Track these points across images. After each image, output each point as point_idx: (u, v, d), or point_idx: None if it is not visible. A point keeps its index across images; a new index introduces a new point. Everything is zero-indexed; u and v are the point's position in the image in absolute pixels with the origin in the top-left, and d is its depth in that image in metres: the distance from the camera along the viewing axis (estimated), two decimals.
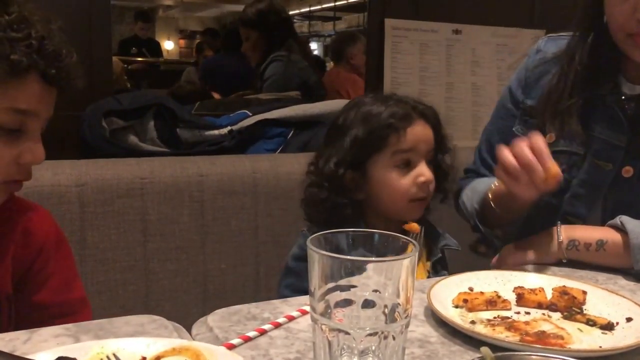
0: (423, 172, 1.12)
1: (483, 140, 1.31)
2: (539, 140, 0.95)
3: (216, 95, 2.87)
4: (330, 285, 0.57)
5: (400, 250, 0.60)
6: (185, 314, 0.81)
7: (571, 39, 1.15)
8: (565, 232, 1.05)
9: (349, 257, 0.56)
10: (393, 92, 1.23)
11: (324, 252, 0.56)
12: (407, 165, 1.12)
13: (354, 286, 0.57)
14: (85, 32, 1.70)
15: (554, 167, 0.93)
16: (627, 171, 1.08)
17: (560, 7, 1.13)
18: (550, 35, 1.25)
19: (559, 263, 1.06)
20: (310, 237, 0.58)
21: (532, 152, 0.94)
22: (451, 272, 1.23)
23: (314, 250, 0.56)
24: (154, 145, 1.55)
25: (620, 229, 1.01)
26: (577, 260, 1.05)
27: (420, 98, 1.20)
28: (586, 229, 1.05)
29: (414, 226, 1.12)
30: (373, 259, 0.56)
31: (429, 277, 1.17)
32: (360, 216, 1.16)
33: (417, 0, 2.12)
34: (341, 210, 1.13)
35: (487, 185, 1.17)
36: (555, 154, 1.14)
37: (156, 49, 7.23)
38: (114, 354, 0.59)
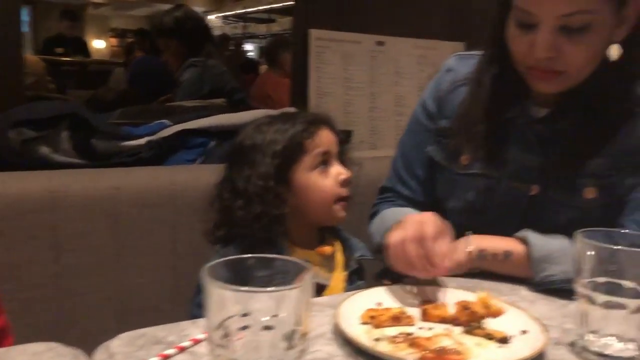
0: (341, 170, 1.20)
1: (399, 155, 1.32)
2: (427, 230, 0.96)
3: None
4: (228, 312, 0.58)
5: (299, 274, 0.61)
6: (101, 331, 0.79)
7: (480, 60, 1.18)
8: (474, 242, 1.09)
9: (244, 288, 0.56)
10: (322, 107, 1.30)
11: (219, 283, 0.56)
12: (326, 165, 1.18)
13: (252, 313, 0.58)
14: None
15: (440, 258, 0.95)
16: (534, 189, 1.13)
17: (478, 20, 1.17)
18: (460, 53, 1.28)
19: (469, 273, 1.11)
20: (206, 266, 0.58)
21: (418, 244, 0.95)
22: (368, 279, 1.26)
23: (209, 281, 0.56)
24: (68, 157, 1.49)
25: (525, 242, 1.06)
26: (485, 269, 1.10)
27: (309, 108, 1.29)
28: (494, 239, 1.09)
29: (327, 249, 1.19)
30: (266, 289, 0.56)
31: (345, 288, 1.19)
32: (282, 233, 1.17)
33: (341, 11, 2.15)
34: (274, 223, 1.15)
35: (395, 218, 1.16)
36: (471, 177, 1.19)
37: (84, 48, 6.97)
38: None
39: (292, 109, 1.29)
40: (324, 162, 1.19)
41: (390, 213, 1.22)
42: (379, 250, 1.19)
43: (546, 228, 1.12)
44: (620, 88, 1.07)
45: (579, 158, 1.07)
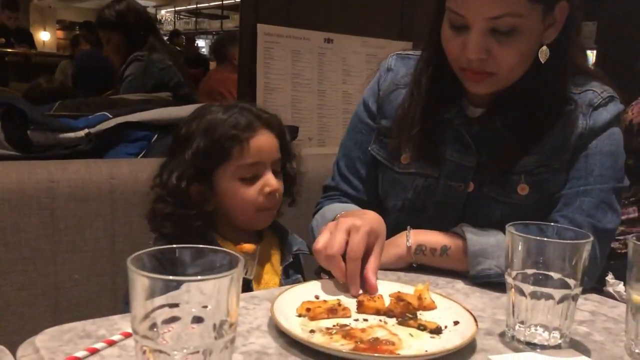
0: (269, 182, 1.13)
1: (342, 155, 1.33)
2: (353, 246, 0.93)
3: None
4: (155, 303, 0.56)
5: (230, 265, 0.61)
6: (33, 329, 0.76)
7: (418, 61, 1.21)
8: (413, 237, 1.11)
9: (170, 277, 0.55)
10: (270, 103, 1.25)
11: (146, 274, 0.55)
12: (253, 177, 1.13)
13: (181, 303, 0.57)
14: None
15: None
16: (470, 186, 1.16)
17: (426, 21, 1.18)
18: (399, 52, 1.30)
19: (408, 267, 1.12)
20: (131, 257, 0.57)
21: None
22: (308, 273, 1.26)
23: (135, 271, 0.55)
24: (1, 149, 1.44)
25: (462, 236, 1.09)
26: (424, 264, 1.11)
27: (264, 107, 1.23)
28: (432, 234, 1.12)
29: (247, 247, 1.11)
30: (195, 278, 0.55)
31: (281, 282, 1.18)
32: (210, 227, 1.15)
33: (289, 7, 2.15)
34: (189, 223, 1.11)
35: (334, 213, 1.18)
36: (411, 176, 1.21)
37: (28, 40, 6.73)
38: None
39: (242, 104, 1.20)
40: (253, 174, 1.12)
41: (331, 209, 1.22)
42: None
43: (482, 224, 1.15)
44: (550, 88, 1.11)
45: (512, 156, 1.11)
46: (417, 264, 1.12)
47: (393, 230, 1.14)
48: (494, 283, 1.03)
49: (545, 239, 0.80)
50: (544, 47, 1.08)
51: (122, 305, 1.16)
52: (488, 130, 1.12)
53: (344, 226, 0.94)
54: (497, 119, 1.13)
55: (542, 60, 1.08)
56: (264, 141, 1.14)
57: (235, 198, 1.13)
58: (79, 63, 4.00)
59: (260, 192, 1.13)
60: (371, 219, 0.99)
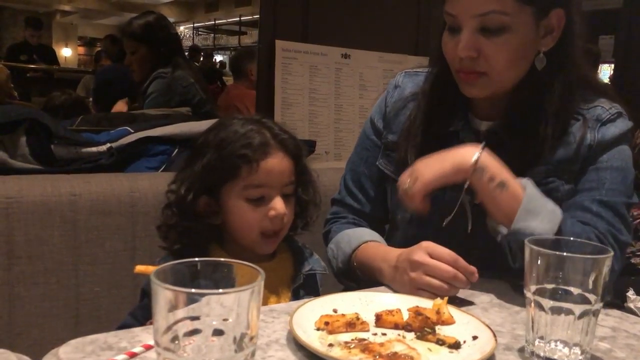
0: (275, 206, 1.08)
1: (348, 169, 1.36)
2: (448, 253, 1.02)
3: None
4: (177, 316, 0.57)
5: (248, 278, 0.61)
6: (54, 340, 0.77)
7: (427, 76, 1.23)
8: (483, 156, 1.05)
9: (193, 290, 0.56)
10: (288, 118, 1.24)
11: (169, 286, 0.56)
12: (260, 199, 1.09)
13: (202, 316, 0.58)
14: None
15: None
16: (477, 198, 1.16)
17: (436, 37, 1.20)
18: (407, 70, 1.33)
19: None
20: (154, 271, 0.58)
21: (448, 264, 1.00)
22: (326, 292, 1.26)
23: (158, 283, 0.56)
24: (26, 162, 1.47)
25: (522, 187, 1.04)
26: (473, 187, 1.06)
27: (286, 126, 1.18)
28: (500, 165, 1.06)
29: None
30: (216, 291, 0.56)
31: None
32: (217, 241, 1.14)
33: (307, 23, 2.18)
34: (195, 235, 1.10)
35: (350, 245, 1.21)
36: None
37: (50, 56, 6.87)
38: None
39: (264, 120, 1.15)
40: (260, 196, 1.08)
41: (345, 238, 1.24)
42: (340, 273, 1.24)
43: (493, 239, 1.15)
44: (556, 100, 1.11)
45: (520, 168, 1.10)
46: (467, 186, 1.06)
47: (402, 242, 1.14)
48: (513, 297, 1.03)
49: (565, 253, 0.80)
50: (541, 55, 1.09)
51: (126, 315, 1.14)
52: (494, 143, 1.12)
53: (422, 259, 1.01)
54: (503, 131, 1.13)
55: (539, 67, 1.09)
56: (275, 164, 1.09)
57: (240, 218, 1.09)
58: (100, 78, 4.07)
59: (265, 215, 1.09)
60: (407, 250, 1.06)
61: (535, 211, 1.02)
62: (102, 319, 1.37)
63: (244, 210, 1.09)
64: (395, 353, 0.77)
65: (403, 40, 2.45)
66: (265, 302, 1.13)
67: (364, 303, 0.94)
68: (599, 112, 1.14)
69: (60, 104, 2.71)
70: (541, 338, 0.80)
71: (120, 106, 2.73)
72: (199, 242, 1.11)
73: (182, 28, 13.13)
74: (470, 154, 1.05)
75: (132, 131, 1.62)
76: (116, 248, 1.38)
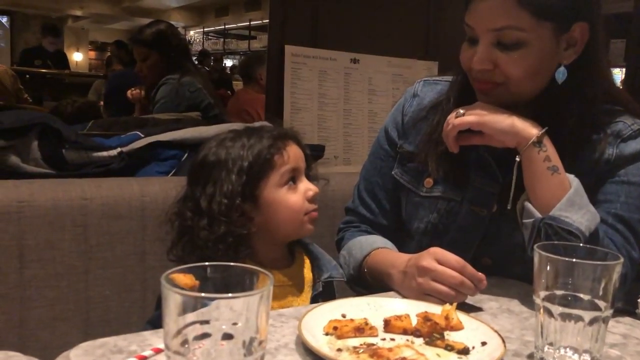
0: (309, 186, 1.16)
1: (362, 178, 1.36)
2: (456, 260, 1.01)
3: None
4: (187, 320, 0.58)
5: (257, 282, 0.62)
6: (65, 344, 0.78)
7: (451, 83, 1.22)
8: (546, 136, 1.05)
9: (203, 294, 0.57)
10: (297, 122, 1.27)
11: (178, 290, 0.56)
12: (294, 181, 1.15)
13: (212, 320, 0.58)
14: None
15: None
16: (493, 208, 1.16)
17: (451, 41, 1.20)
18: (426, 79, 1.32)
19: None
20: (165, 274, 0.58)
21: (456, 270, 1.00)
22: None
23: (168, 287, 0.57)
24: (38, 167, 1.48)
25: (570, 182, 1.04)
26: (523, 164, 1.05)
27: (282, 122, 1.26)
28: (555, 152, 1.05)
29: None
30: (225, 295, 0.56)
31: None
32: (249, 251, 1.14)
33: (316, 28, 2.18)
34: (239, 244, 1.10)
35: (361, 251, 1.22)
36: (434, 199, 1.22)
37: (63, 61, 6.93)
38: None
39: (259, 123, 1.24)
40: (293, 178, 1.15)
41: (357, 245, 1.25)
42: (352, 280, 1.24)
43: (506, 248, 1.14)
44: (576, 114, 1.10)
45: None
46: (518, 160, 1.06)
47: (416, 253, 1.13)
48: (522, 303, 1.02)
49: (574, 259, 0.79)
50: (562, 68, 1.08)
51: (145, 324, 1.16)
52: (513, 155, 1.12)
53: (430, 265, 1.02)
54: None
55: (559, 81, 1.08)
56: (295, 149, 1.17)
57: (282, 208, 1.13)
58: (111, 83, 4.10)
59: (304, 196, 1.15)
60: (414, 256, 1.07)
61: (578, 205, 1.01)
62: (112, 322, 1.38)
63: (286, 197, 1.13)
64: (404, 358, 0.77)
65: (412, 45, 2.45)
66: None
67: (373, 308, 0.94)
68: (620, 127, 1.12)
69: (72, 111, 2.74)
70: (550, 344, 0.80)
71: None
72: (235, 252, 1.10)
73: (192, 33, 13.21)
74: (535, 127, 1.05)
75: (143, 136, 1.63)
76: (126, 252, 1.39)
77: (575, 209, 1.00)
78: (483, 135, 1.08)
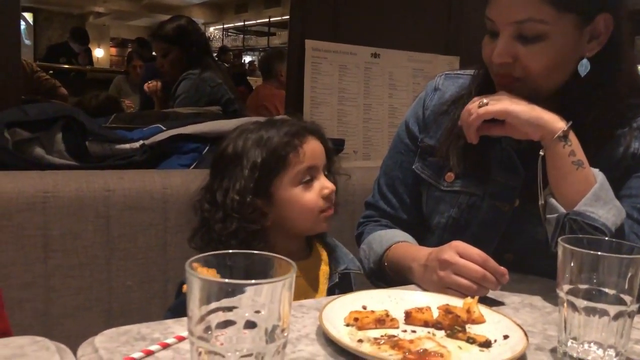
0: (325, 184, 1.15)
1: (382, 173, 1.35)
2: (478, 253, 1.00)
3: None
4: (211, 307, 0.58)
5: (281, 270, 0.62)
6: (87, 333, 0.79)
7: (473, 77, 1.21)
8: (572, 133, 1.03)
9: (226, 280, 0.57)
10: (317, 117, 1.26)
11: (203, 276, 0.57)
12: (311, 179, 1.14)
13: (236, 307, 0.58)
14: None
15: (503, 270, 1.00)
16: (515, 203, 1.15)
17: (473, 36, 1.19)
18: (448, 72, 1.31)
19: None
20: (190, 260, 0.59)
21: (478, 264, 0.99)
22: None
23: (193, 274, 0.57)
24: (62, 158, 1.50)
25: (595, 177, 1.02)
26: (547, 157, 1.03)
27: (302, 116, 1.25)
28: (580, 146, 1.03)
29: None
30: (249, 281, 0.57)
31: None
32: (264, 245, 1.14)
33: (337, 23, 2.18)
34: (253, 239, 1.11)
35: (381, 245, 1.21)
36: (455, 194, 1.21)
37: (87, 58, 7.00)
38: None
39: (282, 117, 1.23)
40: (309, 176, 1.14)
41: (377, 239, 1.24)
42: (372, 274, 1.23)
43: (527, 243, 1.13)
44: (600, 107, 1.08)
45: None
46: (542, 152, 1.03)
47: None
48: (544, 298, 1.01)
49: (599, 252, 0.78)
50: (585, 60, 1.06)
51: (166, 312, 1.17)
52: (536, 149, 1.10)
53: (452, 257, 1.01)
54: None
55: (581, 74, 1.06)
56: (314, 144, 1.16)
57: (296, 204, 1.13)
58: (146, 76, 4.12)
59: (319, 195, 1.14)
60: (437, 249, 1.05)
61: (604, 200, 0.99)
62: (134, 312, 1.40)
63: (300, 195, 1.13)
64: (426, 350, 0.77)
65: (433, 39, 2.44)
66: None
67: (394, 301, 0.94)
68: None
69: (96, 105, 2.77)
70: (574, 339, 0.79)
71: None
72: (249, 247, 1.10)
73: (211, 29, 13.26)
74: (560, 120, 1.02)
75: (164, 129, 1.65)
76: (148, 243, 1.41)
77: (601, 204, 0.99)
78: (505, 126, 1.05)
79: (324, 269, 1.20)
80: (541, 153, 1.04)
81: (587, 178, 1.01)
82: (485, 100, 1.06)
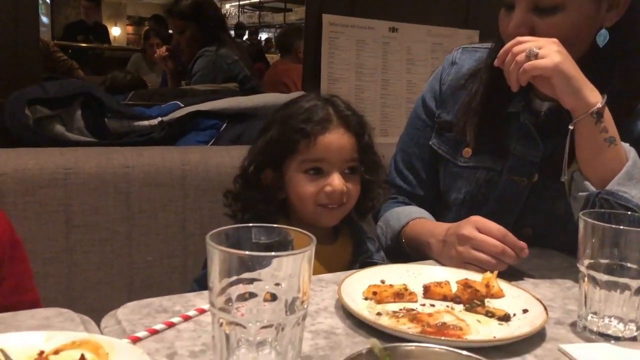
0: (332, 182, 1.09)
1: (399, 149, 1.34)
2: (497, 228, 1.00)
3: None
4: (232, 279, 0.59)
5: (301, 243, 0.62)
6: (109, 307, 0.81)
7: (490, 50, 1.19)
8: (605, 108, 0.99)
9: (247, 252, 0.57)
10: (334, 93, 1.21)
11: (223, 248, 0.57)
12: (318, 173, 1.10)
13: (256, 279, 0.59)
14: (10, 12, 1.64)
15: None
16: (534, 177, 1.14)
17: (493, 9, 1.17)
18: (465, 46, 1.29)
19: None
20: (210, 233, 0.59)
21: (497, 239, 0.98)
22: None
23: (213, 246, 0.57)
24: (81, 135, 1.52)
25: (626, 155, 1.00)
26: (580, 133, 0.99)
27: (353, 105, 1.17)
28: (613, 123, 0.99)
29: None
30: (270, 254, 0.57)
31: None
32: (284, 215, 1.16)
33: None
34: (260, 207, 1.13)
35: (399, 222, 1.20)
36: (473, 169, 1.20)
37: (104, 35, 7.00)
38: (2, 350, 0.58)
39: (328, 95, 1.17)
40: (317, 169, 1.10)
41: (394, 215, 1.24)
42: (389, 250, 1.23)
43: (546, 218, 1.12)
44: (618, 78, 1.05)
45: None
46: (572, 127, 0.99)
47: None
48: (564, 273, 1.01)
49: (621, 227, 0.77)
50: (603, 30, 1.04)
51: (192, 282, 1.20)
52: (555, 123, 1.08)
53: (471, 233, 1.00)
54: (564, 110, 1.09)
55: (600, 44, 1.04)
56: (334, 139, 1.10)
57: (297, 190, 1.11)
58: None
59: (321, 189, 1.10)
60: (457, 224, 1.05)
61: (637, 179, 0.97)
62: (154, 287, 1.42)
63: (301, 182, 1.11)
64: (444, 323, 0.77)
65: (452, 13, 2.39)
66: None
67: (412, 275, 0.94)
68: None
69: (127, 83, 2.78)
70: (595, 314, 0.79)
71: None
72: (265, 214, 1.12)
73: (227, 6, 13.17)
74: (597, 95, 0.97)
75: (182, 105, 1.65)
76: (168, 219, 1.42)
77: (634, 183, 0.96)
78: (543, 80, 0.98)
79: (348, 256, 1.18)
80: (570, 127, 1.00)
81: (618, 155, 0.98)
82: (535, 50, 0.97)
